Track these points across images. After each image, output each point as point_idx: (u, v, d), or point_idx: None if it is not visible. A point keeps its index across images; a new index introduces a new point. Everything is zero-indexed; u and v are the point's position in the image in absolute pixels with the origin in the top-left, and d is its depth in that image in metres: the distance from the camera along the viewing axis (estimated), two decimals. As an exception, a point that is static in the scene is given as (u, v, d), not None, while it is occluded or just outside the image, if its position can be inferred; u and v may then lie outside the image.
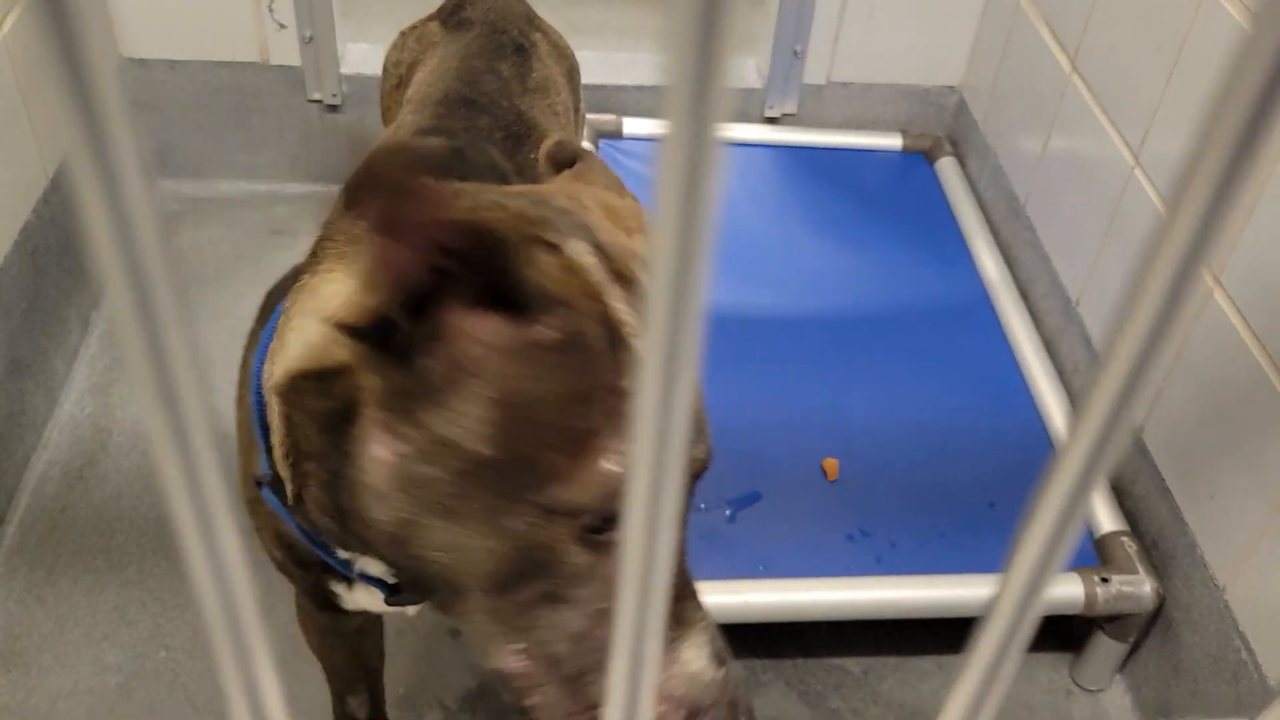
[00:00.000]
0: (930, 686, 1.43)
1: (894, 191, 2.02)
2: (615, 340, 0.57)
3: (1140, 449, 1.44)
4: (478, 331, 0.55)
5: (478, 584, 0.59)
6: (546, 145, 0.78)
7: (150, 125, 2.05)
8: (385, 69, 1.38)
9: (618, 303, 0.58)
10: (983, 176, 2.01)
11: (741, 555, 1.35)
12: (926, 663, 1.46)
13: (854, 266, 1.83)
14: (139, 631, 1.40)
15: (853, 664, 1.45)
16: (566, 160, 0.76)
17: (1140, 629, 1.37)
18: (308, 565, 0.81)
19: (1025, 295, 1.79)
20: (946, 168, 2.05)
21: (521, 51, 1.25)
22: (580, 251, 0.58)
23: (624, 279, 0.59)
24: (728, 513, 1.41)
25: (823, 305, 1.75)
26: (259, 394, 0.71)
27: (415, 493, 0.57)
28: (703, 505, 1.40)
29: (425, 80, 1.20)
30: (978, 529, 1.41)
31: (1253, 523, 1.21)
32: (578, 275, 0.57)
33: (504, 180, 0.96)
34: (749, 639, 1.45)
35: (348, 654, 1.09)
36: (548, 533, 0.57)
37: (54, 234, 1.69)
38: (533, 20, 1.35)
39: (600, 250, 0.59)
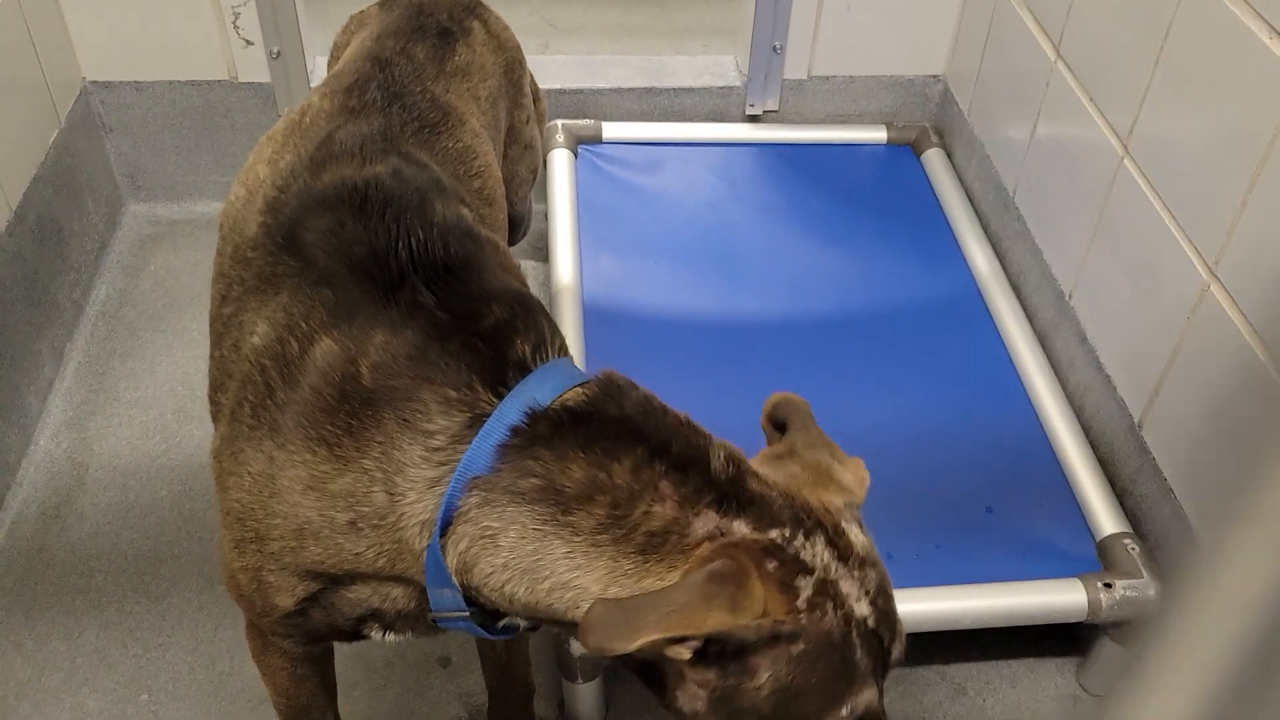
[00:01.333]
0: (934, 698, 1.40)
1: (880, 186, 1.98)
2: (848, 629, 0.74)
3: (1141, 449, 1.40)
4: (764, 659, 0.75)
5: None
6: (767, 407, 0.92)
7: (120, 149, 2.01)
8: (331, 51, 1.40)
9: (849, 590, 0.75)
10: (970, 167, 1.97)
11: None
12: (929, 673, 1.43)
13: (842, 265, 1.79)
14: (120, 675, 1.36)
15: (853, 678, 1.41)
16: (780, 423, 0.90)
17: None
18: (349, 613, 0.88)
19: (1017, 289, 1.75)
20: (933, 159, 2.01)
21: (445, 35, 1.23)
22: (816, 553, 0.76)
23: (850, 556, 0.77)
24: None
25: (811, 307, 1.71)
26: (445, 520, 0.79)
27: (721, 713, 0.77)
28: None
29: (345, 60, 1.21)
30: (976, 536, 1.38)
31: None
32: (826, 601, 0.74)
33: (442, 191, 0.95)
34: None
35: (315, 681, 1.06)
36: None
37: (20, 268, 1.65)
38: (474, 9, 1.33)
39: (832, 544, 0.77)
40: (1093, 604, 1.28)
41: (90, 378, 1.75)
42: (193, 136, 2.02)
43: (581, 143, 1.99)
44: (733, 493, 0.77)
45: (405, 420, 0.79)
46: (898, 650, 0.79)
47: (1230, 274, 1.23)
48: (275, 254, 0.90)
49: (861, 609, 0.76)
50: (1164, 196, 1.36)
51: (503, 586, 0.78)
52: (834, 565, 0.76)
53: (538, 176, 1.58)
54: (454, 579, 0.79)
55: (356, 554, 0.81)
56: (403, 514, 0.79)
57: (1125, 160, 1.45)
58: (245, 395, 0.85)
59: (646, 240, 1.82)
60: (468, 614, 0.81)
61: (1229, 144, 1.22)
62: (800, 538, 0.76)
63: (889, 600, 0.78)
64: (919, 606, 1.28)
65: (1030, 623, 1.31)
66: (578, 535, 0.75)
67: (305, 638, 0.93)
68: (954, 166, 2.01)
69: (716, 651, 0.74)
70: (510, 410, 0.78)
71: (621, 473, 0.76)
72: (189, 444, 1.66)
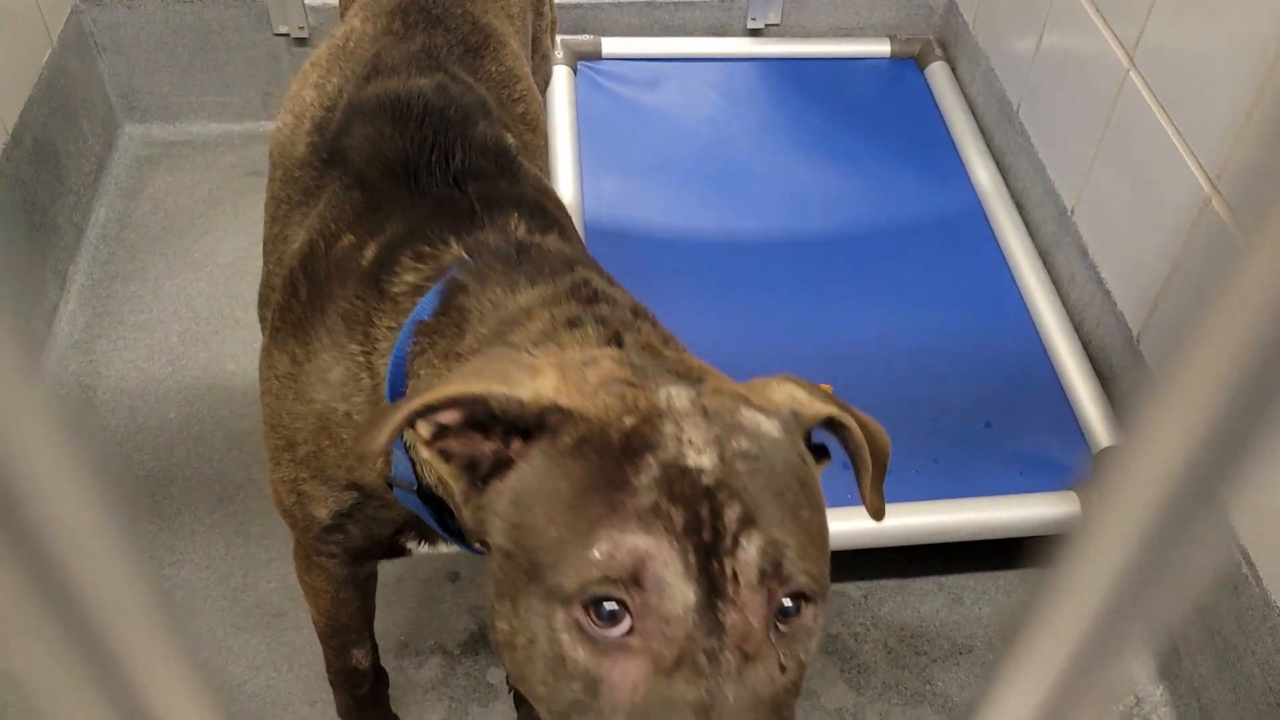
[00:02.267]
0: (931, 607, 1.43)
1: (883, 101, 1.96)
2: (644, 451, 0.62)
3: (1139, 362, 1.41)
4: (524, 451, 0.65)
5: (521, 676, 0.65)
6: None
7: (114, 69, 1.99)
8: None
9: (694, 436, 0.63)
10: (974, 81, 1.94)
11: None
12: (927, 583, 1.46)
13: (844, 182, 1.78)
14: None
15: (853, 588, 1.45)
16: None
17: (1140, 543, 1.36)
18: (385, 525, 0.87)
19: (1019, 205, 1.74)
20: (937, 73, 1.98)
21: None
22: (673, 395, 0.65)
23: (718, 416, 0.65)
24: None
25: (812, 224, 1.71)
26: (396, 380, 0.76)
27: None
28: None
29: None
30: (974, 450, 1.40)
31: (1253, 435, 1.19)
32: (638, 415, 0.63)
33: (488, 114, 0.95)
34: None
35: (357, 606, 1.09)
36: (548, 623, 0.61)
37: (19, 190, 1.64)
38: None
39: (700, 400, 0.65)
40: (1088, 515, 1.30)
41: (94, 301, 1.76)
42: (186, 56, 1.99)
43: (581, 59, 1.96)
44: (627, 332, 0.72)
45: (381, 290, 0.79)
46: (754, 548, 0.60)
47: (1231, 185, 1.23)
48: (320, 168, 0.92)
49: (699, 459, 0.61)
50: (1168, 109, 1.35)
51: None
52: (688, 412, 0.64)
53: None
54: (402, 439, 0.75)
55: None
56: (379, 389, 0.78)
57: (1130, 73, 1.43)
58: (279, 301, 0.87)
59: (648, 158, 1.80)
60: (414, 487, 0.78)
61: (1234, 55, 1.21)
62: (665, 381, 0.66)
63: (756, 481, 0.62)
64: (918, 520, 1.31)
65: (1027, 534, 1.34)
66: (462, 359, 0.73)
67: (347, 556, 0.95)
68: (958, 80, 1.98)
69: (473, 461, 0.66)
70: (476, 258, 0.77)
71: (531, 298, 0.74)
72: (195, 366, 1.67)
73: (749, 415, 0.66)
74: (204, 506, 1.49)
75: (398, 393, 0.76)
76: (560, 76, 1.90)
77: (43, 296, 1.69)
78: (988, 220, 1.71)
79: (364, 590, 1.09)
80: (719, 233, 1.68)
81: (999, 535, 1.33)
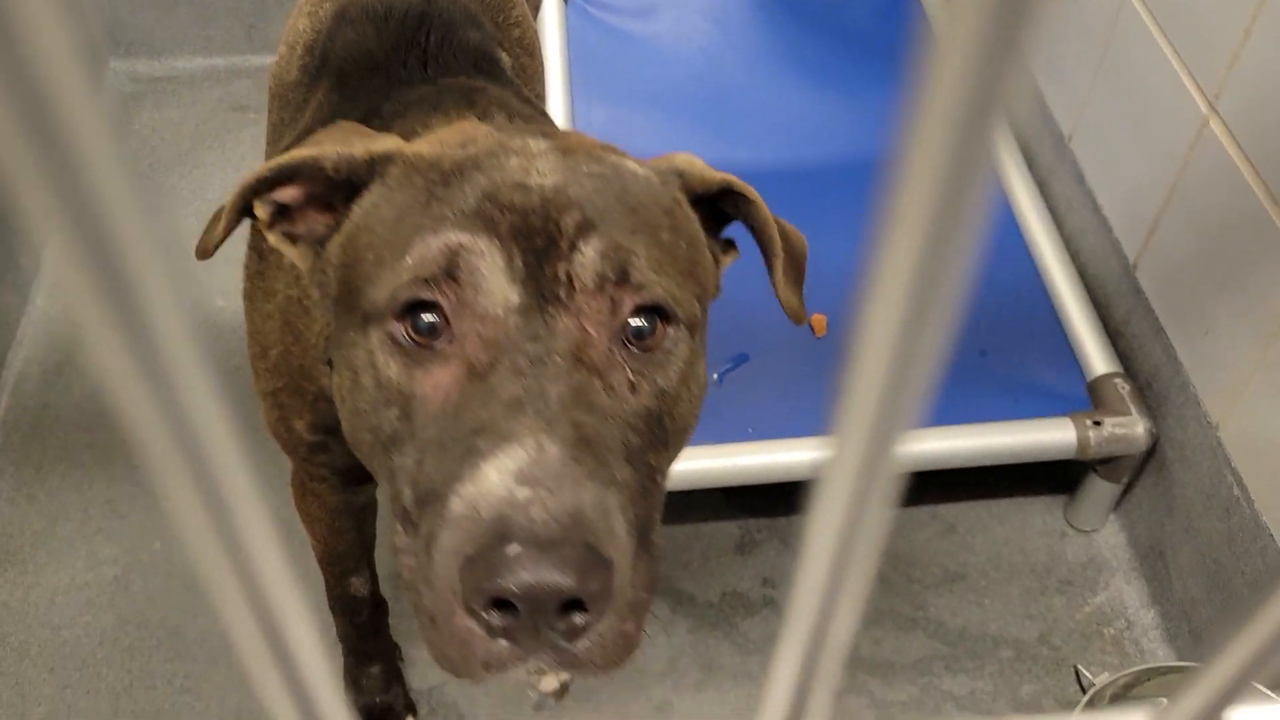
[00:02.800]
0: (924, 535, 1.44)
1: (878, 29, 1.92)
2: (463, 169, 0.58)
3: (1135, 289, 1.41)
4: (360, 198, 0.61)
5: (349, 425, 0.60)
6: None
7: (96, 2, 1.95)
8: None
9: (538, 164, 0.58)
10: (972, 9, 1.91)
11: (731, 419, 1.34)
12: (920, 512, 1.47)
13: (837, 112, 1.76)
14: (131, 524, 1.40)
15: (846, 518, 1.45)
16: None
17: (1134, 469, 1.37)
18: None
19: (1015, 133, 1.72)
20: (933, 2, 1.95)
21: None
22: (529, 141, 0.61)
23: (567, 151, 0.60)
24: (715, 376, 1.39)
25: (804, 154, 1.69)
26: None
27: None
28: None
29: None
30: (968, 379, 1.39)
31: (1246, 359, 1.19)
32: (475, 143, 0.59)
33: (479, 27, 0.93)
34: (742, 498, 1.45)
35: (353, 534, 1.09)
36: (365, 349, 0.57)
37: (3, 124, 1.62)
38: None
39: (557, 146, 0.61)
40: (1081, 441, 1.30)
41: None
42: (169, -12, 1.96)
43: (571, -11, 1.92)
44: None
45: None
46: (592, 251, 0.55)
47: (1230, 107, 1.21)
48: (309, 84, 0.91)
49: (541, 180, 0.57)
50: (1166, 29, 1.32)
51: None
52: (541, 151, 0.60)
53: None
54: None
55: (315, 342, 0.79)
56: None
57: (1130, -6, 1.41)
58: None
59: (639, 90, 1.78)
60: None
61: (1237, -28, 1.19)
62: (526, 135, 0.63)
63: (605, 195, 0.58)
64: (913, 447, 1.30)
65: (1020, 460, 1.34)
66: None
67: (337, 479, 0.95)
68: (955, 9, 1.95)
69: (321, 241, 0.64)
70: None
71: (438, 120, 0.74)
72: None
73: (614, 159, 0.62)
74: (197, 441, 1.49)
75: None
76: (550, 5, 1.87)
77: (29, 235, 1.67)
78: (984, 150, 1.69)
79: (360, 519, 1.09)
80: (711, 163, 1.66)
81: (993, 462, 1.33)
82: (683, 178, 0.65)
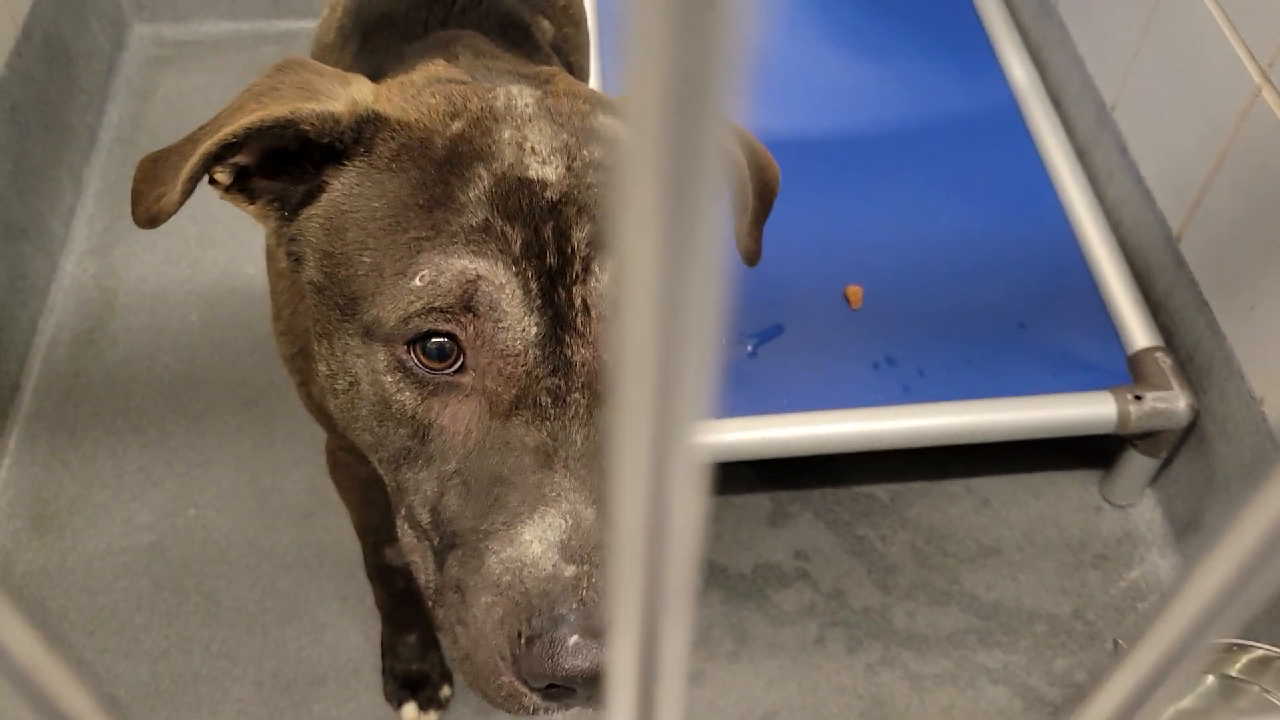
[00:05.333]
0: (958, 510, 1.43)
1: (915, -4, 1.89)
2: (459, 157, 0.54)
3: (1178, 261, 1.38)
4: (336, 172, 0.57)
5: (354, 433, 0.60)
6: None
7: (121, -36, 1.93)
8: None
9: (538, 143, 0.55)
10: (1010, -26, 1.87)
11: (765, 390, 1.33)
12: (954, 486, 1.46)
13: (874, 80, 1.73)
14: (166, 491, 1.40)
15: (880, 491, 1.45)
16: None
17: (1173, 444, 1.35)
18: None
19: (1056, 102, 1.69)
20: (971, -34, 1.91)
21: None
22: (513, 95, 0.57)
23: (568, 120, 0.57)
24: (749, 348, 1.37)
25: (840, 123, 1.66)
26: None
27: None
28: (723, 342, 1.37)
29: None
30: (1006, 352, 1.38)
31: (1295, 333, 1.17)
32: (466, 120, 0.55)
33: None
34: (774, 471, 1.44)
35: (385, 505, 1.08)
36: (369, 364, 0.55)
37: (31, 89, 1.61)
38: None
39: (545, 103, 0.57)
40: (1122, 415, 1.29)
41: (110, 204, 1.73)
42: (195, -50, 1.93)
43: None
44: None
45: None
46: (607, 274, 0.53)
47: (1286, 77, 1.18)
48: (340, 46, 0.88)
49: (542, 170, 0.54)
50: (1219, -3, 1.29)
51: None
52: (531, 116, 0.56)
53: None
54: None
55: None
56: None
57: (1179, -41, 1.37)
58: None
59: (671, 55, 1.75)
60: None
61: (1295, -64, 1.15)
62: (505, 82, 0.59)
63: (576, 174, 0.54)
64: (949, 420, 1.29)
65: (1059, 434, 1.33)
66: None
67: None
68: (992, -27, 1.91)
69: (283, 196, 0.59)
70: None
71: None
72: (214, 270, 1.65)
73: (606, 121, 0.58)
74: (229, 409, 1.49)
75: None
76: (581, -30, 1.84)
77: (60, 198, 1.67)
78: (1023, 118, 1.66)
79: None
80: (748, 130, 1.64)
81: (1030, 436, 1.32)
82: None
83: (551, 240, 0.52)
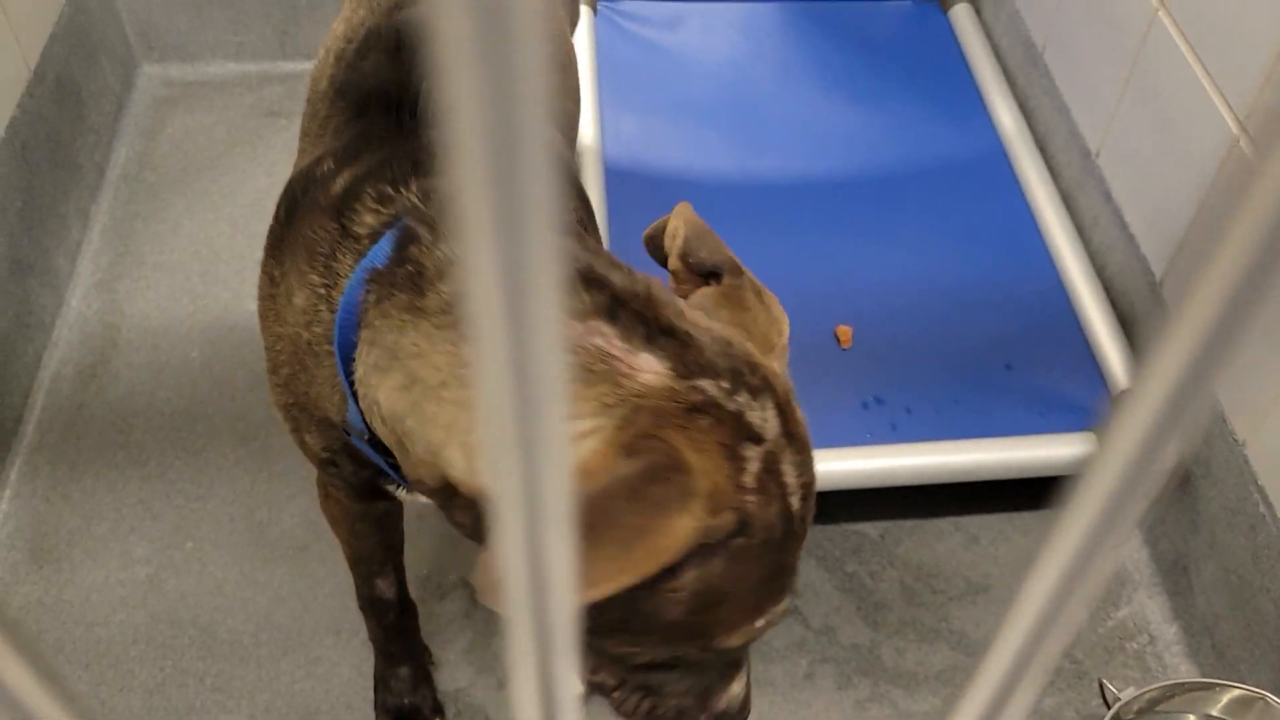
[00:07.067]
0: (947, 547, 1.45)
1: (906, 44, 1.94)
2: (790, 526, 0.64)
3: (1160, 304, 1.41)
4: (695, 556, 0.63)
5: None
6: (676, 244, 0.76)
7: (131, 7, 1.98)
8: None
9: (789, 477, 0.64)
10: (999, 23, 1.92)
11: (756, 428, 1.35)
12: (944, 524, 1.47)
13: (865, 125, 1.77)
14: (164, 524, 1.42)
15: (870, 528, 1.46)
16: (708, 270, 0.75)
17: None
18: (367, 466, 0.85)
19: (1042, 148, 1.73)
20: (961, 15, 1.96)
21: None
22: (765, 419, 0.63)
23: (796, 435, 0.66)
24: (741, 386, 1.40)
25: (832, 167, 1.70)
26: (342, 347, 0.74)
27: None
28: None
29: None
30: (993, 392, 1.40)
31: (1274, 377, 1.19)
32: (771, 483, 0.63)
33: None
34: (766, 508, 1.46)
35: (375, 539, 1.10)
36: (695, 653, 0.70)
37: (42, 128, 1.64)
38: None
39: (783, 414, 0.65)
40: (1106, 456, 1.31)
41: (116, 240, 1.76)
42: (204, -6, 1.98)
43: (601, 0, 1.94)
44: (643, 314, 0.63)
45: (344, 226, 0.76)
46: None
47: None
48: (333, 99, 0.91)
49: (795, 502, 0.64)
50: (1197, 49, 1.33)
51: (372, 392, 0.70)
52: (782, 441, 0.63)
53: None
54: (355, 388, 0.73)
55: (322, 381, 0.79)
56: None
57: (1160, 12, 1.41)
58: (271, 222, 0.87)
59: (668, 100, 1.79)
60: (365, 436, 0.75)
61: (1269, -8, 1.19)
62: (745, 395, 0.62)
63: (812, 498, 0.67)
64: (936, 459, 1.32)
65: (1045, 474, 1.35)
66: (427, 317, 0.66)
67: (351, 490, 0.95)
68: (982, 23, 1.96)
69: None
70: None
71: None
72: (216, 307, 1.68)
73: (802, 414, 0.68)
74: (228, 443, 1.51)
75: (346, 341, 0.72)
76: (580, 17, 1.89)
77: (66, 234, 1.70)
78: (1010, 163, 1.70)
79: (382, 525, 1.10)
80: (739, 174, 1.68)
81: (1017, 475, 1.34)
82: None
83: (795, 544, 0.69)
